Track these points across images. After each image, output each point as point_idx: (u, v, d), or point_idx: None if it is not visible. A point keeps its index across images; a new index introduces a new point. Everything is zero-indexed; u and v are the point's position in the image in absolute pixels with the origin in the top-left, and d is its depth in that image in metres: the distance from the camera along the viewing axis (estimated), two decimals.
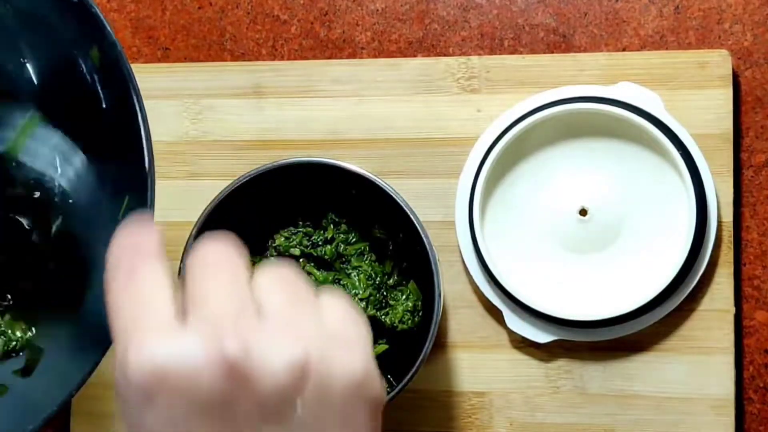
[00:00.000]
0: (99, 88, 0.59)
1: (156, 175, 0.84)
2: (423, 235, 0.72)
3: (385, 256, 0.78)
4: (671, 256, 0.76)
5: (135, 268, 0.40)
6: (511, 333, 0.79)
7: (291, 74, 0.83)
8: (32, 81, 0.63)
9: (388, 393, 0.71)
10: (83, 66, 0.59)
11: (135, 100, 0.57)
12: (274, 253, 0.77)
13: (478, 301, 0.81)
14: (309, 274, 0.77)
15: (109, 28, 0.56)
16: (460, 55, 0.82)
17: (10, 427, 0.57)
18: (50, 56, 0.62)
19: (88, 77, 0.60)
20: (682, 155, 0.75)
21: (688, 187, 0.75)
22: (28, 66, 0.63)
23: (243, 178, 0.74)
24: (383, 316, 0.75)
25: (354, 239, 0.77)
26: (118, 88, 0.57)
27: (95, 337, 0.57)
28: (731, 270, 0.77)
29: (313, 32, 0.85)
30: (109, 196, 0.60)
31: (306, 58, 0.85)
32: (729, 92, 0.77)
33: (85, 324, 0.60)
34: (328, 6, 0.85)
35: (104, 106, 0.60)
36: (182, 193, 0.84)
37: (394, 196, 0.72)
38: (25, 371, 0.61)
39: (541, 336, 0.78)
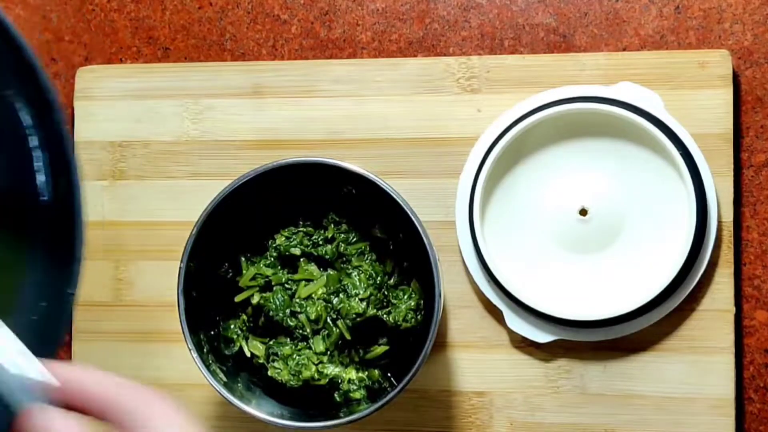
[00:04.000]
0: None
1: (156, 174, 0.84)
2: (423, 235, 0.72)
3: (385, 255, 0.78)
4: (671, 256, 0.76)
5: None
6: (511, 333, 0.79)
7: (291, 74, 0.83)
8: None
9: (389, 393, 0.71)
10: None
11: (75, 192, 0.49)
12: (275, 253, 0.77)
13: (478, 301, 0.81)
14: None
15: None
16: (460, 55, 0.82)
17: None
18: None
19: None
20: (682, 155, 0.75)
21: (688, 187, 0.75)
22: None
23: (243, 178, 0.74)
24: (385, 315, 0.75)
25: (354, 239, 0.77)
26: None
27: None
28: (731, 270, 0.77)
29: (313, 32, 0.85)
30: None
31: (306, 58, 0.85)
32: (729, 92, 0.77)
33: None
34: (329, 6, 0.85)
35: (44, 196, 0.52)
36: (182, 193, 0.84)
37: (394, 196, 0.72)
38: None
39: (541, 336, 0.78)
